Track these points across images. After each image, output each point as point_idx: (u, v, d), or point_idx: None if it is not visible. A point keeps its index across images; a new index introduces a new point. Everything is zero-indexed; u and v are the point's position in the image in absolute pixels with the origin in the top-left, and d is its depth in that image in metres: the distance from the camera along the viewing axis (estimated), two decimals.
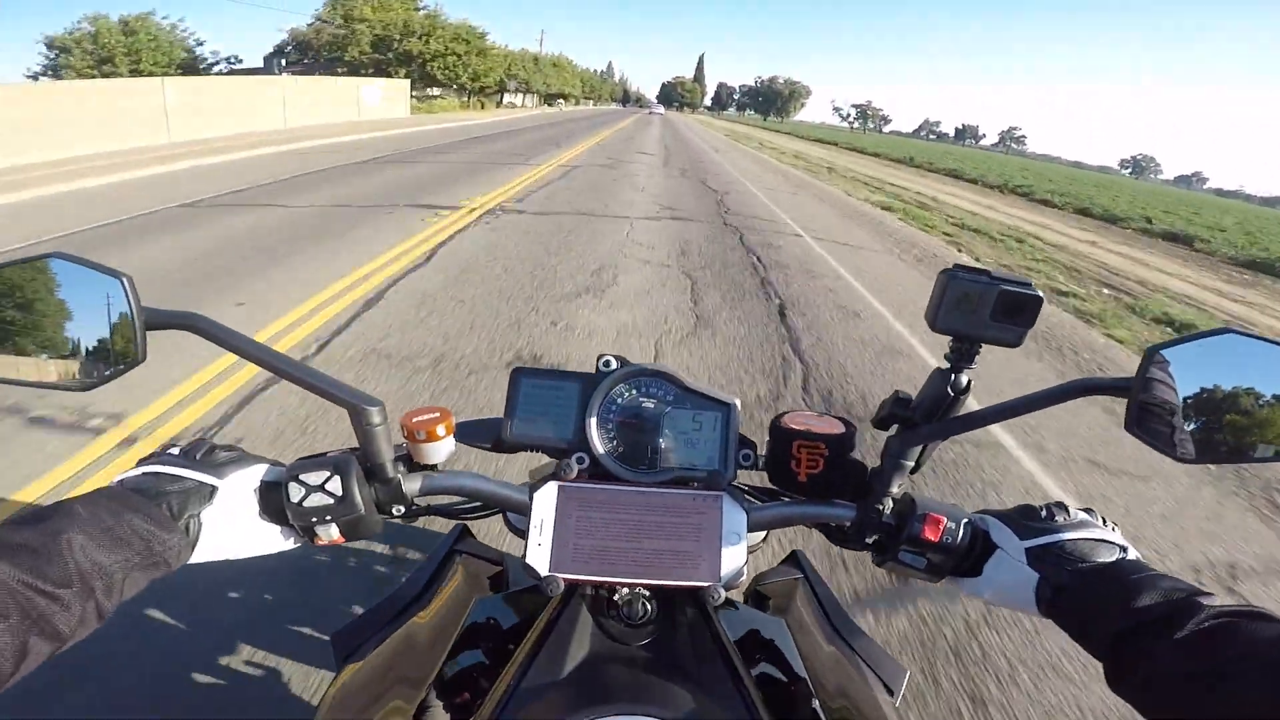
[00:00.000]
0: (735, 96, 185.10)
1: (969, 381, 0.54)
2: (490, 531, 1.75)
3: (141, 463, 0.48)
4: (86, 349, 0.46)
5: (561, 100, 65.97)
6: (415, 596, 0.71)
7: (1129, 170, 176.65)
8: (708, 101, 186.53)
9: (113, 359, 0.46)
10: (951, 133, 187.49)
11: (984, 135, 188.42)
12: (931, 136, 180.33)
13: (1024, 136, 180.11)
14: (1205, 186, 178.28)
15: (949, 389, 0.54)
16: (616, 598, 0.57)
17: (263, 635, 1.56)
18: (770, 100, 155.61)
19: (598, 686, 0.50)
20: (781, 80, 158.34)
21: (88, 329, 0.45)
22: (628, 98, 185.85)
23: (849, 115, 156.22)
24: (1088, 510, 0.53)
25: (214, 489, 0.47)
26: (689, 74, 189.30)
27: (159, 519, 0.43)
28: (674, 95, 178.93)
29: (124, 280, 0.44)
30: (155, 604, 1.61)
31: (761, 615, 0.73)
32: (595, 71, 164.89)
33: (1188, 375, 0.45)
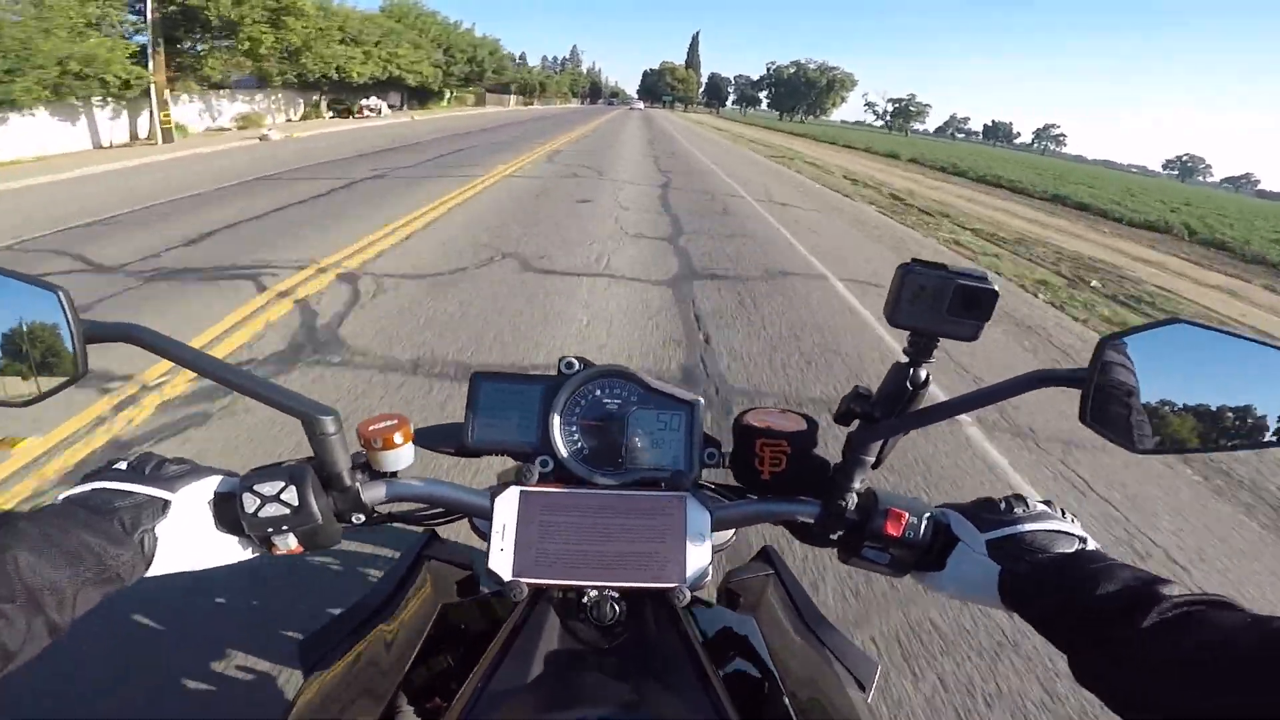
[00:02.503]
0: (731, 89, 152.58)
1: (928, 375, 0.56)
2: (464, 532, 1.74)
3: (87, 479, 0.49)
4: (24, 364, 0.46)
5: (382, 106, 24.91)
6: (383, 603, 0.72)
7: (1175, 172, 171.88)
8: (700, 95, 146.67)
9: (52, 373, 0.46)
10: (980, 131, 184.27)
11: (1019, 134, 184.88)
12: (959, 135, 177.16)
13: (1063, 135, 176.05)
14: (1257, 189, 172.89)
15: (908, 383, 0.56)
16: (585, 600, 0.59)
17: (231, 642, 1.57)
18: (795, 93, 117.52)
19: (565, 689, 0.51)
20: (814, 66, 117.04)
21: (24, 344, 0.46)
22: (598, 92, 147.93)
23: (886, 112, 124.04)
24: (1047, 502, 0.55)
25: (166, 503, 0.48)
26: (676, 59, 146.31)
27: (111, 534, 0.44)
28: (660, 88, 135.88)
29: (60, 294, 0.45)
30: (126, 612, 1.63)
31: (732, 614, 0.75)
32: (551, 60, 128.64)
33: (1140, 365, 0.46)
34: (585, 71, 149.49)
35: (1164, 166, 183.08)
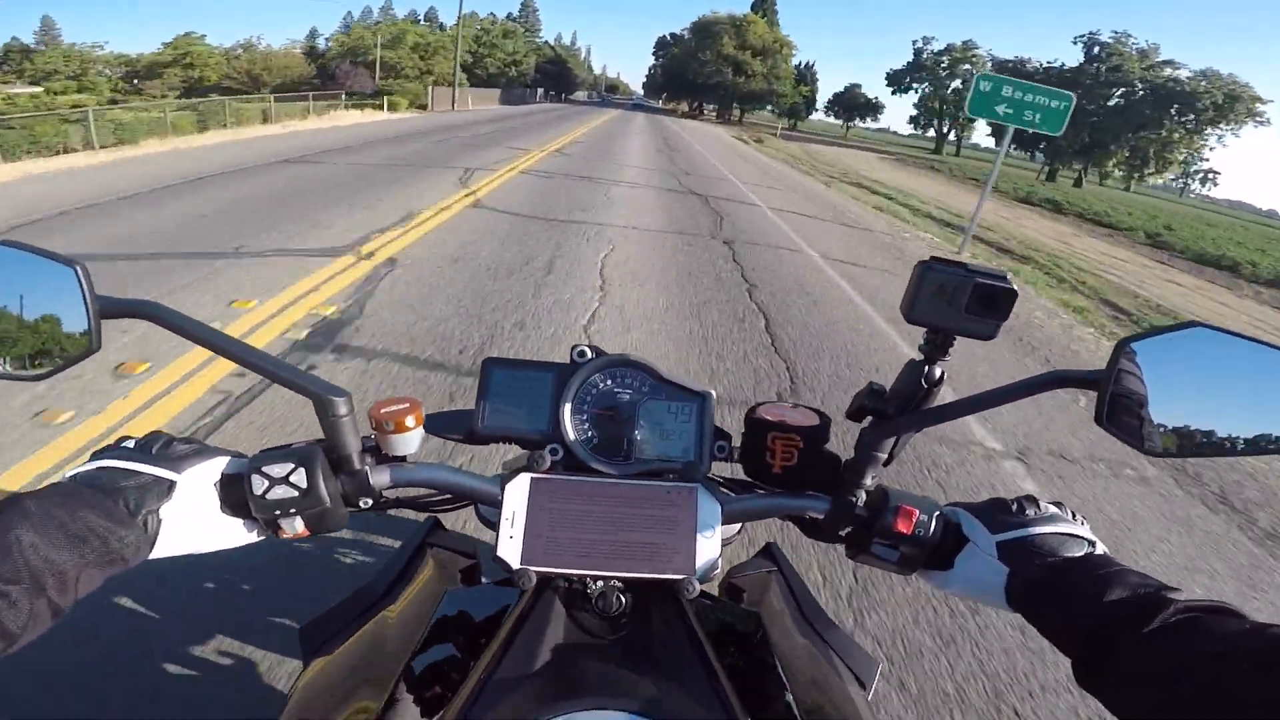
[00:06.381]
0: (823, 100, 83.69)
1: (942, 373, 0.58)
2: (466, 523, 1.77)
3: (95, 456, 0.50)
4: (39, 338, 0.48)
5: None
6: (385, 590, 0.74)
7: None
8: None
9: (66, 348, 0.49)
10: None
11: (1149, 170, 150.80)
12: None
13: (1214, 173, 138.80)
14: None
15: (922, 381, 0.58)
16: (590, 591, 0.61)
17: (233, 626, 1.62)
18: (1082, 117, 45.01)
19: (570, 680, 0.53)
20: (1157, 63, 50.57)
21: (40, 317, 0.48)
22: (567, 79, 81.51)
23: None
24: (1058, 504, 0.56)
25: (172, 484, 0.49)
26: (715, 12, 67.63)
27: (116, 515, 0.44)
28: (691, 69, 65.71)
29: (77, 269, 0.47)
30: (125, 594, 1.68)
31: (735, 608, 0.77)
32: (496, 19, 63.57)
33: (1157, 369, 0.48)
34: (553, 44, 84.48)
35: None
